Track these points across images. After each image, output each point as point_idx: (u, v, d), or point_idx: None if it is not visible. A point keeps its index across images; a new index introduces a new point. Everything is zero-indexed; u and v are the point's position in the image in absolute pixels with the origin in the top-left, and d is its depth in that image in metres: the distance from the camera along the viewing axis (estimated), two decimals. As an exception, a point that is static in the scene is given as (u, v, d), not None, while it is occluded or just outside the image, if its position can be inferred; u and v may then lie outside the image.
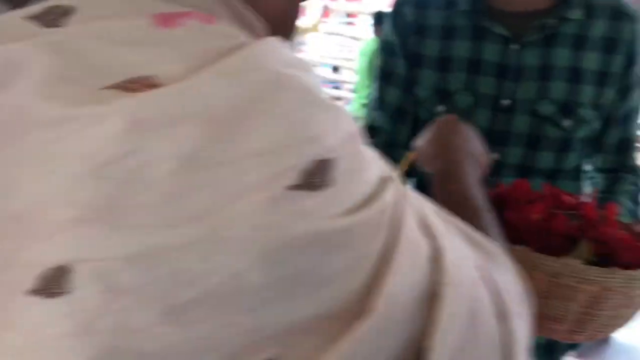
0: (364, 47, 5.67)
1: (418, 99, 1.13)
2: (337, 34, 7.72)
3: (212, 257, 0.35)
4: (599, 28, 1.08)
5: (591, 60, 1.08)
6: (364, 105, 5.52)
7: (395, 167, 1.09)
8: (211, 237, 0.35)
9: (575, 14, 1.07)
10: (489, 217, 0.62)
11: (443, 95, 1.10)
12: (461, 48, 1.10)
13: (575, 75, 1.07)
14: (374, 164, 0.43)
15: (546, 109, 1.07)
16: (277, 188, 0.37)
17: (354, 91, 6.01)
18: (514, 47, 1.07)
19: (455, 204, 0.61)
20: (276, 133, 0.38)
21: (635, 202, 1.13)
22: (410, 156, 0.84)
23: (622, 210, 1.08)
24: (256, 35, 0.47)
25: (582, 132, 1.10)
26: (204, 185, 0.36)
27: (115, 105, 0.37)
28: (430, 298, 0.41)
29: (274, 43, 0.43)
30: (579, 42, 1.08)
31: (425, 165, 0.76)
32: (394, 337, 0.40)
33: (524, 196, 0.93)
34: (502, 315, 0.46)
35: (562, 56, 1.07)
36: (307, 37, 7.83)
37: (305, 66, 0.43)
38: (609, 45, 1.08)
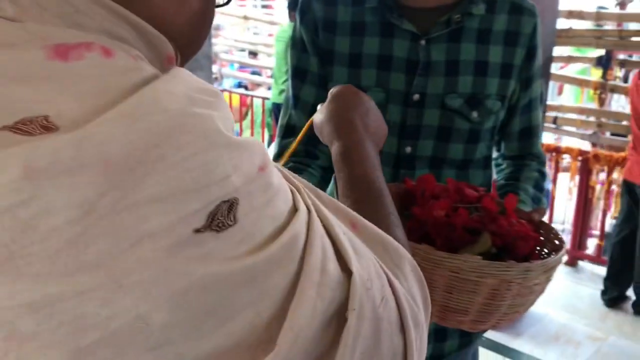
0: (279, 32, 5.64)
1: None
2: (255, 19, 7.63)
3: (112, 302, 0.36)
4: (501, 22, 1.11)
5: (495, 54, 1.11)
6: (283, 91, 5.54)
7: (314, 162, 1.10)
8: (110, 284, 0.36)
9: (479, 9, 1.10)
10: (389, 202, 0.64)
11: None
12: (371, 44, 1.10)
13: (481, 69, 1.11)
14: (282, 197, 0.43)
15: (454, 102, 1.10)
16: (183, 232, 0.37)
17: (272, 77, 5.97)
18: (421, 42, 1.09)
19: (359, 191, 0.62)
20: (177, 178, 0.37)
21: (538, 188, 1.19)
22: (308, 125, 0.83)
23: (525, 197, 1.12)
24: (165, 56, 0.47)
25: (490, 123, 1.14)
26: (102, 233, 0.36)
27: (9, 151, 0.36)
28: (337, 321, 0.42)
29: (179, 76, 0.43)
30: (483, 36, 1.11)
31: (323, 140, 0.76)
32: None
33: (429, 191, 0.96)
34: (405, 327, 0.47)
35: (467, 50, 1.10)
36: (224, 22, 7.70)
37: (213, 100, 0.43)
38: (511, 38, 1.12)
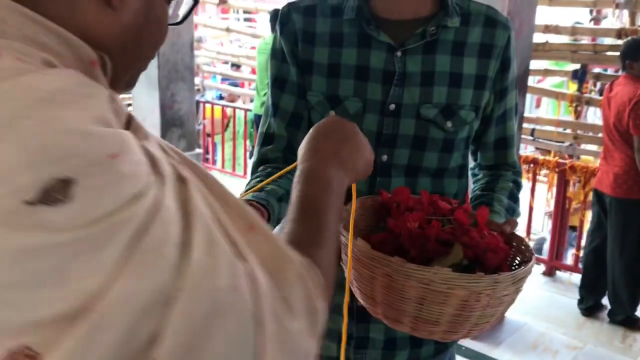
0: (261, 45, 5.66)
1: (310, 104, 1.17)
2: (237, 31, 7.66)
3: None
4: (475, 35, 1.14)
5: (469, 65, 1.14)
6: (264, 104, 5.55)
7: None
8: None
9: (453, 22, 1.13)
10: (329, 223, 0.67)
11: (334, 101, 1.15)
12: (349, 55, 1.13)
13: (455, 80, 1.14)
14: (130, 183, 0.47)
15: (429, 112, 1.12)
16: (13, 203, 0.43)
17: (255, 89, 5.99)
18: (397, 54, 1.12)
19: (298, 210, 0.67)
20: (11, 155, 0.44)
21: (513, 199, 1.22)
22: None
23: (499, 208, 1.16)
24: (88, 60, 0.54)
25: (464, 133, 1.17)
26: None
27: None
28: (167, 301, 0.46)
29: (61, 74, 0.50)
30: (458, 49, 1.14)
31: (298, 163, 0.79)
32: (117, 337, 0.44)
33: (404, 204, 0.99)
34: (260, 321, 0.50)
35: (442, 62, 1.13)
36: (206, 34, 7.72)
37: (83, 96, 0.49)
38: (485, 50, 1.15)
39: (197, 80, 6.31)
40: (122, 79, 0.63)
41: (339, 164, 0.74)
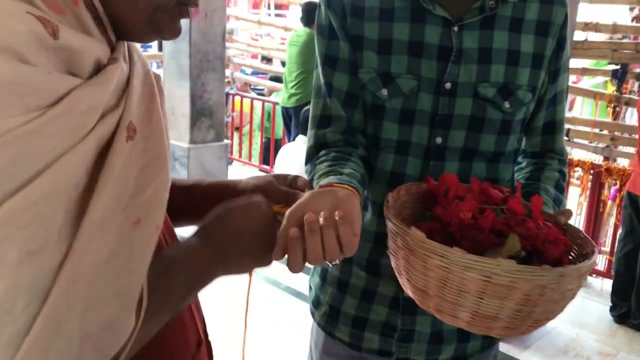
0: (293, 37, 5.63)
1: (362, 82, 1.11)
2: (268, 24, 7.64)
3: None
4: (532, 11, 1.09)
5: (527, 43, 1.08)
6: (293, 95, 5.54)
7: (355, 152, 1.09)
8: None
9: None
10: (171, 305, 0.70)
11: (386, 78, 1.08)
12: (401, 30, 1.08)
13: (513, 58, 1.08)
14: None
15: (487, 91, 1.07)
16: None
17: (283, 81, 5.97)
18: (454, 29, 1.06)
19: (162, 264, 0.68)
20: None
21: (559, 189, 1.15)
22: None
23: (546, 198, 1.09)
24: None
25: (521, 115, 1.11)
26: None
27: None
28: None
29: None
30: (516, 25, 1.08)
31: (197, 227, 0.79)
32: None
33: (453, 191, 0.94)
34: None
35: (500, 39, 1.07)
36: (237, 26, 7.71)
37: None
38: (542, 28, 1.09)
39: (227, 72, 6.30)
40: (136, 23, 0.62)
41: (224, 260, 0.75)
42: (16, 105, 0.50)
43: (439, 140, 1.09)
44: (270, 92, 7.32)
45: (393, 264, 0.93)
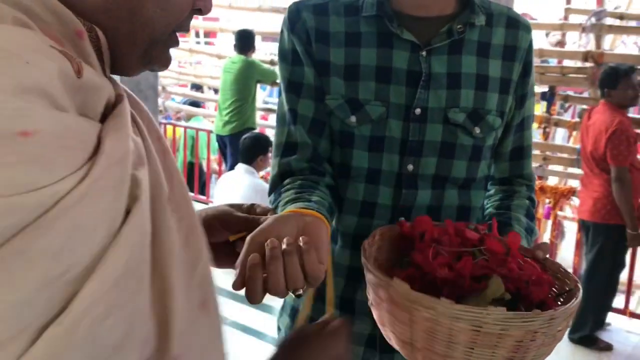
0: (228, 64, 5.57)
1: (329, 108, 1.07)
2: (200, 52, 7.55)
3: None
4: (498, 36, 1.08)
5: (494, 68, 1.07)
6: (227, 123, 5.46)
7: (322, 180, 1.04)
8: None
9: (480, 19, 1.06)
10: None
11: (354, 105, 1.05)
12: (368, 56, 1.05)
13: (482, 83, 1.06)
14: (38, 167, 0.41)
15: (458, 116, 1.05)
16: None
17: (217, 109, 5.89)
18: (422, 53, 1.04)
19: None
20: None
21: (530, 217, 1.14)
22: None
23: (519, 229, 1.08)
24: (74, 31, 0.49)
25: (490, 140, 1.10)
26: None
27: None
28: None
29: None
30: (483, 49, 1.07)
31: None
32: None
33: (428, 234, 0.91)
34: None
35: (468, 63, 1.06)
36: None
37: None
38: (509, 52, 1.09)
39: (159, 100, 6.16)
40: (130, 57, 0.56)
41: None
42: (69, 164, 0.40)
43: (410, 167, 1.06)
44: (189, 118, 7.22)
45: (375, 316, 0.88)
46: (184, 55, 7.81)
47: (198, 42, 8.77)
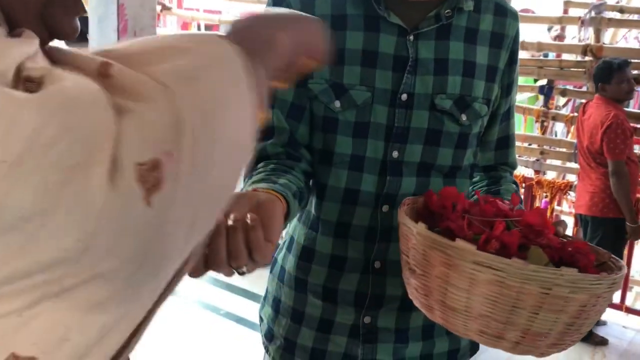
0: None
1: (313, 93, 1.05)
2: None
3: None
4: (486, 22, 1.07)
5: (482, 55, 1.06)
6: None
7: (298, 165, 1.02)
8: None
9: (468, 5, 1.05)
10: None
11: (338, 89, 1.04)
12: (354, 39, 1.03)
13: (469, 69, 1.05)
14: None
15: (444, 103, 1.04)
16: None
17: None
18: (409, 38, 1.03)
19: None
20: None
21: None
22: None
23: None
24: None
25: (477, 128, 1.09)
26: None
27: None
28: None
29: None
30: (471, 36, 1.06)
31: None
32: None
33: (460, 205, 0.89)
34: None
35: (456, 49, 1.04)
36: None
37: None
38: (496, 40, 1.07)
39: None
40: (26, 18, 0.53)
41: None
42: None
43: (395, 154, 1.05)
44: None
45: (413, 286, 0.86)
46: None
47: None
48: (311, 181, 1.11)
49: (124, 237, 0.41)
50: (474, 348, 1.20)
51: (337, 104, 1.04)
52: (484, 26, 1.07)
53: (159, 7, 5.90)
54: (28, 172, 0.38)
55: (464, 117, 1.05)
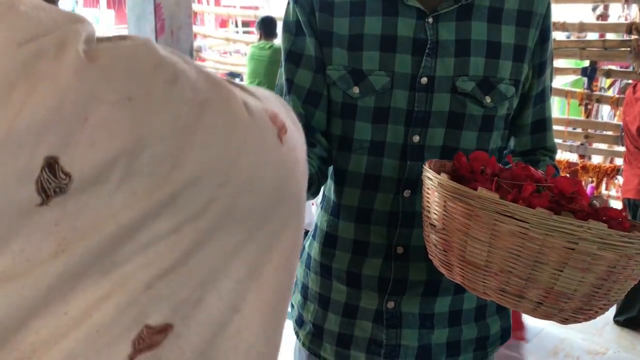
0: (253, 50, 5.56)
1: (331, 80, 1.05)
2: (237, 40, 7.60)
3: None
4: (512, 1, 1.04)
5: (507, 34, 1.03)
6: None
7: (312, 150, 1.02)
8: None
9: None
10: None
11: (357, 75, 1.03)
12: (373, 24, 1.02)
13: (493, 50, 1.02)
14: None
15: (466, 85, 1.02)
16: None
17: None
18: (428, 20, 1.01)
19: None
20: None
21: None
22: None
23: None
24: None
25: (503, 110, 1.06)
26: None
27: None
28: None
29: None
30: (495, 15, 1.03)
31: None
32: None
33: (490, 168, 0.87)
34: None
35: (478, 30, 1.02)
36: (204, 44, 7.66)
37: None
38: (524, 18, 1.04)
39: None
40: None
41: None
42: None
43: (416, 138, 1.03)
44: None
45: (433, 243, 0.84)
46: (222, 45, 7.87)
47: (237, 32, 8.84)
48: (330, 167, 1.11)
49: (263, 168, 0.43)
50: (504, 336, 1.18)
51: (356, 90, 1.03)
52: (510, 5, 1.04)
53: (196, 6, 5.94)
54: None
55: (488, 99, 1.03)
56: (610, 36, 4.26)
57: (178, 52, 0.44)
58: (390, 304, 1.09)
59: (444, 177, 0.79)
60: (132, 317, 0.38)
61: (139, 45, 0.41)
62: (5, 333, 0.36)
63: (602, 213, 0.77)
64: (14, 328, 0.36)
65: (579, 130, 4.23)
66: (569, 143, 4.23)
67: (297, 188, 0.46)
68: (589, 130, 4.16)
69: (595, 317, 0.77)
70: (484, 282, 0.76)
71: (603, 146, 4.27)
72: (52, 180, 0.36)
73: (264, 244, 0.43)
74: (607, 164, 4.21)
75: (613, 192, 4.33)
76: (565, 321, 0.75)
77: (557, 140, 4.47)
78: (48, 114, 0.36)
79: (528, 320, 3.38)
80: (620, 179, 3.93)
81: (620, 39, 3.98)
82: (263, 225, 0.43)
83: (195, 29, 5.49)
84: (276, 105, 0.48)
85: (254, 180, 0.42)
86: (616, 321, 3.47)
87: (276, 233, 0.44)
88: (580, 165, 4.06)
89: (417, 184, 1.03)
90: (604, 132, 4.14)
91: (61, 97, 0.37)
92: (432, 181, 0.82)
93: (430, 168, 0.88)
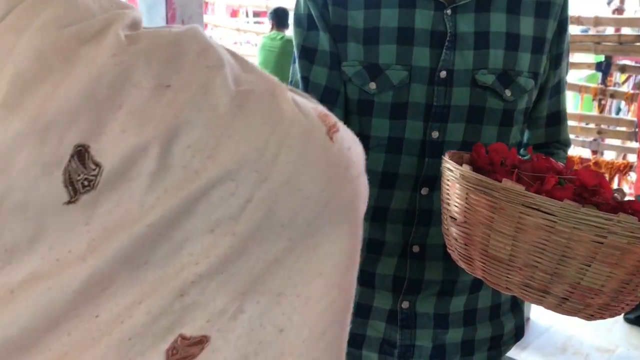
0: (264, 41, 5.54)
1: (347, 76, 1.02)
2: (247, 30, 7.57)
3: None
4: None
5: (526, 25, 1.01)
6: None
7: None
8: None
9: None
10: None
11: (373, 70, 1.00)
12: (389, 17, 0.99)
13: (512, 42, 1.00)
14: None
15: (486, 78, 0.99)
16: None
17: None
18: (447, 12, 0.99)
19: None
20: None
21: None
22: None
23: None
24: None
25: (523, 104, 1.04)
26: None
27: None
28: None
29: None
30: (514, 6, 1.01)
31: None
32: None
33: (510, 160, 0.85)
34: None
35: (497, 21, 1.00)
36: (215, 34, 7.64)
37: None
38: (542, 9, 1.02)
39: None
40: None
41: None
42: None
43: (435, 134, 1.01)
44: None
45: (453, 236, 0.82)
46: (233, 35, 7.85)
47: (247, 22, 8.82)
48: None
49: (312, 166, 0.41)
50: (518, 334, 1.16)
51: (373, 85, 1.01)
52: None
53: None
54: None
55: (508, 93, 1.01)
56: (625, 30, 4.20)
57: (232, 50, 0.43)
58: (405, 304, 1.07)
59: (465, 168, 0.76)
60: (165, 326, 0.36)
61: (184, 32, 0.39)
62: (35, 333, 0.35)
63: (627, 206, 0.75)
64: (45, 329, 0.35)
65: (591, 125, 4.18)
66: (581, 139, 4.18)
67: (350, 192, 0.43)
68: (602, 126, 4.11)
69: (621, 314, 0.75)
70: (507, 276, 0.74)
71: (616, 142, 4.22)
72: (81, 171, 0.35)
73: (311, 255, 0.40)
74: (620, 161, 4.16)
75: (626, 189, 4.29)
76: (590, 317, 0.73)
77: (570, 136, 4.45)
78: (81, 98, 0.34)
79: (536, 316, 3.36)
80: (633, 176, 3.89)
81: (636, 33, 3.92)
82: (309, 234, 0.39)
83: (205, 18, 5.47)
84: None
85: (296, 180, 0.39)
86: (626, 319, 3.44)
87: (325, 244, 0.40)
88: (593, 161, 4.01)
89: (435, 182, 1.01)
90: (617, 128, 4.09)
91: (96, 81, 0.35)
92: (454, 173, 0.80)
93: (450, 156, 0.86)
